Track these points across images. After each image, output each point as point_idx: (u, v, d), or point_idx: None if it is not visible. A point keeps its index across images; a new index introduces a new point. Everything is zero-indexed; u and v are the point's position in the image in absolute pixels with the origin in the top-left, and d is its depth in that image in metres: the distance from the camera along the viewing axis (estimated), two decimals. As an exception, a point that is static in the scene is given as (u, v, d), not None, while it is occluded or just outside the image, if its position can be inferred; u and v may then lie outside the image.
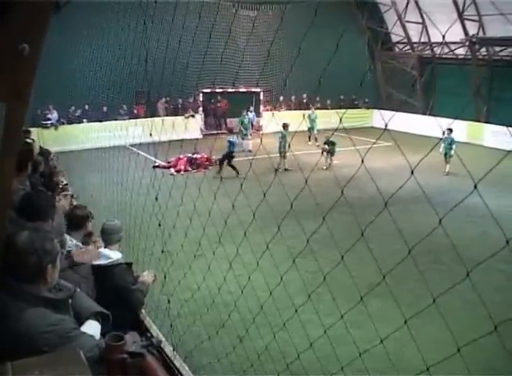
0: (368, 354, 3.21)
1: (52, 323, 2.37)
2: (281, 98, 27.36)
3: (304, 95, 27.71)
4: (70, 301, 2.73)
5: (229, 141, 17.31)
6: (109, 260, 4.27)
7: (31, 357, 1.99)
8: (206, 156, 17.89)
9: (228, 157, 17.03)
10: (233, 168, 16.69)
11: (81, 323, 2.79)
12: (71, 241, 4.55)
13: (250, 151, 19.72)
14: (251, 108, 23.61)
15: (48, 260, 2.45)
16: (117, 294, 4.02)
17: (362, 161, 2.57)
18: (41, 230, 2.57)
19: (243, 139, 20.86)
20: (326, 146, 18.00)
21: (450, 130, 17.16)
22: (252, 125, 23.06)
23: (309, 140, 22.91)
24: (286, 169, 17.52)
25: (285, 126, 17.82)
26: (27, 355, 2.02)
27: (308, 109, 25.44)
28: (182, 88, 21.30)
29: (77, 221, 4.81)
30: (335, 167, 17.62)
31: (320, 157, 17.22)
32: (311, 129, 22.92)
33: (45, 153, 8.30)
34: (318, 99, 27.50)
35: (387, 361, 4.41)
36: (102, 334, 2.86)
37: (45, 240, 2.49)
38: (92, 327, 2.82)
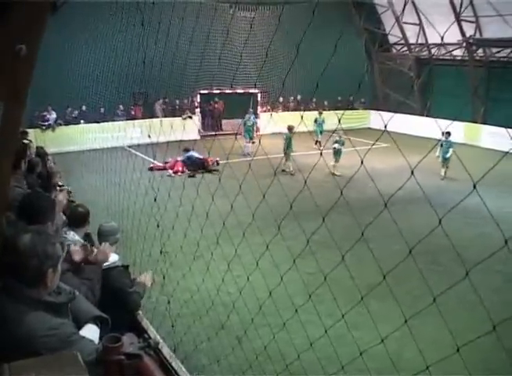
0: (367, 354, 3.21)
1: (52, 327, 2.35)
2: (281, 99, 27.39)
3: (299, 97, 27.74)
4: (69, 304, 2.71)
5: (187, 157, 17.57)
6: (106, 263, 4.26)
7: (29, 358, 1.99)
8: (203, 157, 17.86)
9: (199, 168, 17.29)
10: (209, 171, 16.92)
11: (79, 327, 2.77)
12: (74, 236, 4.58)
13: (248, 154, 19.46)
14: (250, 110, 23.34)
15: (49, 264, 2.42)
16: (114, 297, 4.01)
17: (362, 162, 2.57)
18: (43, 233, 2.53)
19: (246, 141, 20.64)
20: (338, 145, 17.52)
21: (448, 133, 16.90)
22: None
23: (317, 144, 21.78)
24: (283, 170, 17.35)
25: (290, 128, 17.55)
26: (25, 358, 2.00)
27: (307, 110, 25.39)
28: (179, 90, 21.33)
29: (79, 218, 4.82)
30: (334, 168, 17.46)
31: (320, 159, 17.09)
32: (317, 133, 22.23)
33: (41, 153, 8.29)
34: (314, 99, 27.52)
35: (386, 361, 4.41)
36: (101, 337, 2.85)
37: (47, 243, 2.45)
38: (91, 331, 2.81)
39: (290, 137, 17.48)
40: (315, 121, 22.47)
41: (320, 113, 22.82)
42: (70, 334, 2.41)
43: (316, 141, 21.88)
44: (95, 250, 3.94)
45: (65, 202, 5.27)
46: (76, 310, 2.85)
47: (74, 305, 2.87)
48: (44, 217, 3.76)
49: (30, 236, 2.45)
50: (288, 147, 17.59)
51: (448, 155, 16.76)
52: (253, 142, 20.74)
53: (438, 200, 11.55)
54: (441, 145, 16.75)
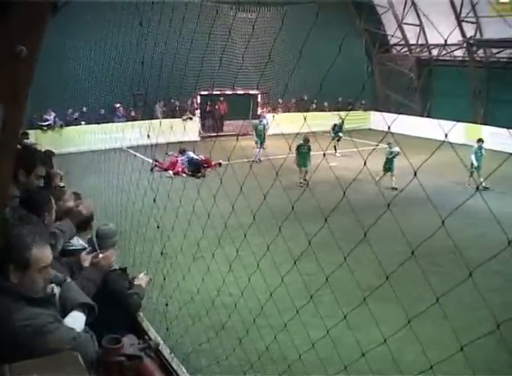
0: (367, 355, 3.21)
1: (28, 317, 2.42)
2: (280, 100, 27.38)
3: (300, 98, 27.71)
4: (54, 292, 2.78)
5: (187, 159, 17.58)
6: None
7: (28, 359, 2.00)
8: (204, 158, 17.86)
9: (198, 170, 17.21)
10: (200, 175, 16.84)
11: (66, 314, 2.85)
12: (78, 241, 4.62)
13: (260, 160, 18.49)
14: (260, 113, 22.44)
15: (9, 260, 2.50)
16: (114, 299, 4.01)
17: (365, 163, 2.57)
18: (23, 235, 2.59)
19: (257, 146, 19.70)
20: (398, 149, 15.69)
21: (482, 140, 15.93)
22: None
23: (336, 151, 20.73)
24: (301, 183, 16.15)
25: (306, 141, 16.10)
26: (5, 348, 2.21)
27: (307, 111, 25.27)
28: (180, 91, 21.29)
29: (83, 222, 4.83)
30: (334, 169, 17.08)
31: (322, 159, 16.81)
32: (335, 138, 20.58)
33: (47, 154, 8.27)
34: (315, 100, 27.56)
35: (386, 362, 4.42)
36: (89, 324, 2.91)
37: (18, 244, 2.53)
38: (75, 319, 2.85)
39: (298, 146, 16.15)
40: (334, 127, 20.99)
41: (342, 120, 21.43)
42: (45, 323, 2.46)
43: (335, 147, 20.73)
44: (101, 255, 4.00)
45: (72, 205, 5.30)
46: (64, 297, 2.95)
47: (63, 291, 2.98)
48: (41, 209, 3.96)
49: (12, 231, 2.61)
50: (300, 158, 16.25)
51: (481, 163, 15.43)
52: (263, 148, 20.13)
53: (439, 201, 11.52)
54: (475, 153, 15.68)
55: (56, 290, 2.99)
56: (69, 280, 3.14)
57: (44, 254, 2.59)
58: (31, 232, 2.64)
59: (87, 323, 2.89)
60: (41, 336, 2.39)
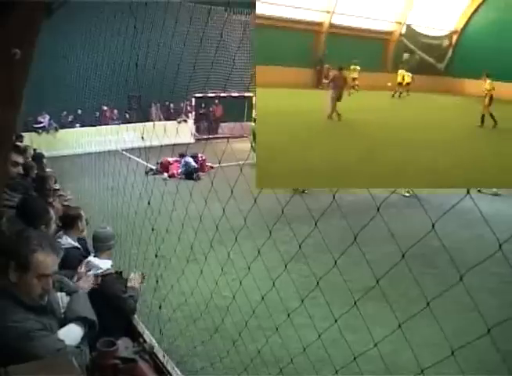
0: (364, 356, 3.21)
1: (15, 320, 2.43)
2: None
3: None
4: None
5: (185, 162, 17.55)
6: (99, 270, 4.24)
7: (24, 363, 2.00)
8: (203, 158, 17.88)
9: (192, 173, 17.16)
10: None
11: (65, 325, 2.84)
12: (66, 240, 4.65)
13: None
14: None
15: (10, 258, 2.52)
16: (109, 303, 4.00)
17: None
18: (29, 238, 2.61)
19: (254, 151, 19.27)
20: None
21: None
22: None
23: None
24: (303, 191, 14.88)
25: None
26: None
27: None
28: (174, 93, 21.24)
29: (69, 221, 4.83)
30: None
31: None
32: None
33: (38, 156, 8.26)
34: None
35: (383, 363, 4.40)
36: (90, 339, 2.88)
37: (21, 243, 2.56)
38: (70, 331, 2.83)
39: None
40: None
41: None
42: (32, 329, 2.46)
43: None
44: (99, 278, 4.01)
45: (60, 208, 5.29)
46: (68, 308, 2.97)
47: (70, 302, 3.01)
48: (39, 221, 3.90)
49: (21, 233, 2.66)
50: None
51: None
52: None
53: (436, 202, 11.55)
54: None
55: (65, 299, 3.01)
56: (80, 291, 3.17)
57: (47, 261, 2.57)
58: (40, 236, 2.67)
59: (87, 338, 2.89)
60: (25, 340, 2.39)
